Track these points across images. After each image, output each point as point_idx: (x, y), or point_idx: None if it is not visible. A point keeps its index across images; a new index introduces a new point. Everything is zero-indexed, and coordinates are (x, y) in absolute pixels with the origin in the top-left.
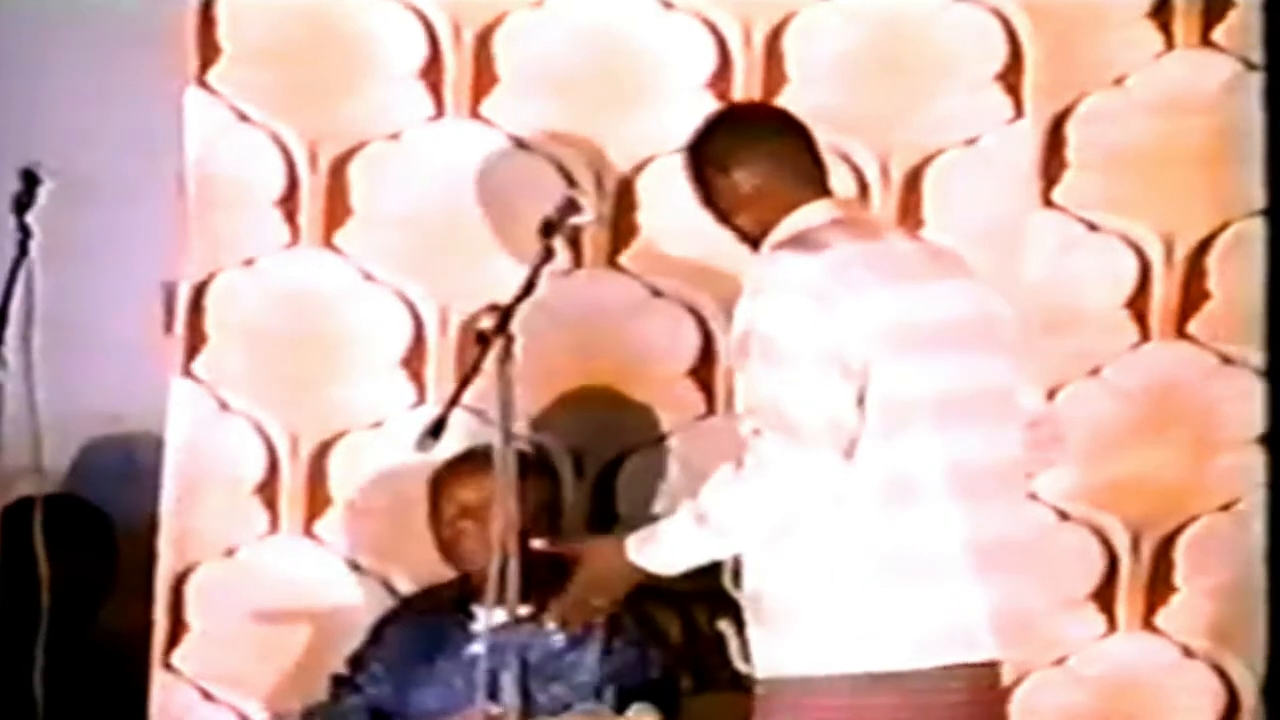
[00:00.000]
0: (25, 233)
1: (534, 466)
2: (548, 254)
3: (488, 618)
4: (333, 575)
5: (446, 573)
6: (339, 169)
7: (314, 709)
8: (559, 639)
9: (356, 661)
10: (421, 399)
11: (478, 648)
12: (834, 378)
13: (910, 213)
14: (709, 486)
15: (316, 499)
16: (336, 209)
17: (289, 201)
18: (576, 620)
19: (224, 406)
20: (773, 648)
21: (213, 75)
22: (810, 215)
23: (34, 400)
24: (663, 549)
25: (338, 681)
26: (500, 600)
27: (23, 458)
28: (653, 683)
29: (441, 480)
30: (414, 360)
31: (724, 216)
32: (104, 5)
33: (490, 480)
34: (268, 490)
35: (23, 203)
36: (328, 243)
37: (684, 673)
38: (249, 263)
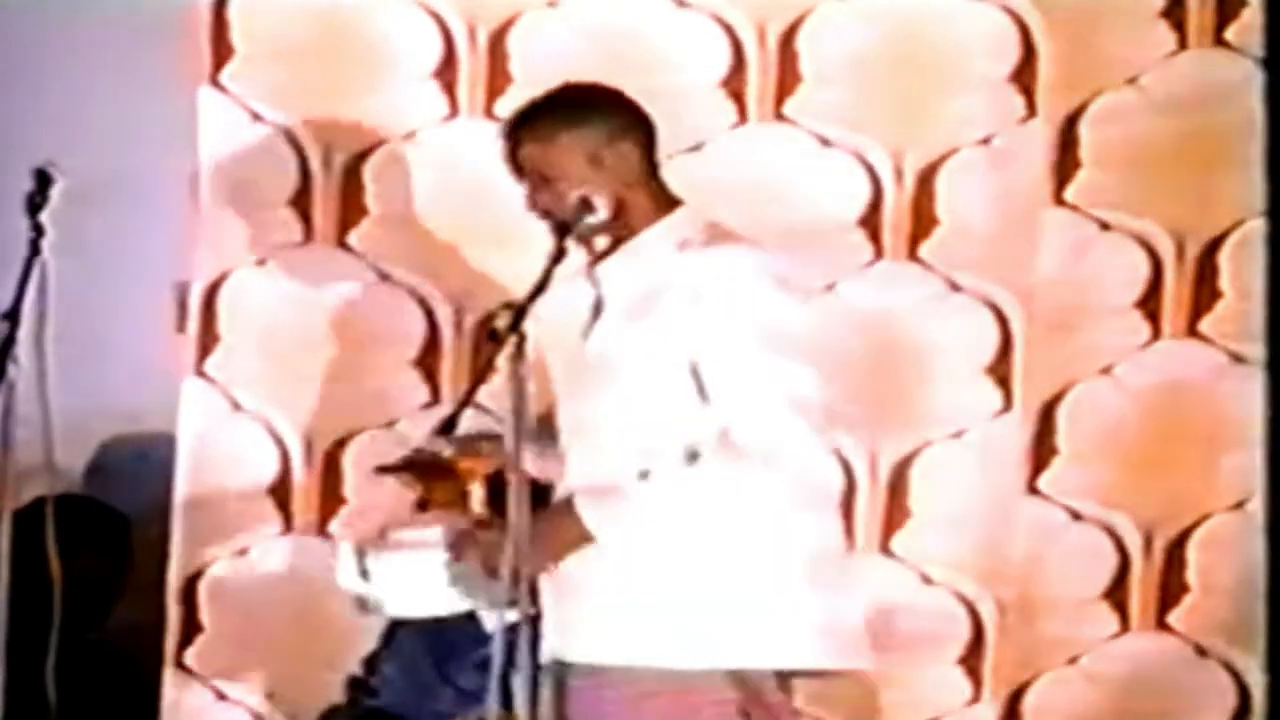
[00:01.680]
0: (38, 232)
1: None
2: (560, 253)
3: (499, 620)
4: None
5: None
6: (353, 169)
7: (331, 711)
8: None
9: (371, 663)
10: (435, 398)
11: (489, 649)
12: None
13: (924, 211)
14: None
15: (329, 499)
16: (350, 209)
17: (302, 201)
18: (463, 553)
19: (236, 406)
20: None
21: (226, 75)
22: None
23: (46, 400)
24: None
25: (354, 684)
26: (511, 602)
27: (35, 457)
28: None
29: None
30: (428, 359)
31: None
32: (117, 5)
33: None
34: (280, 490)
35: (36, 202)
36: (341, 243)
37: None
38: (262, 262)
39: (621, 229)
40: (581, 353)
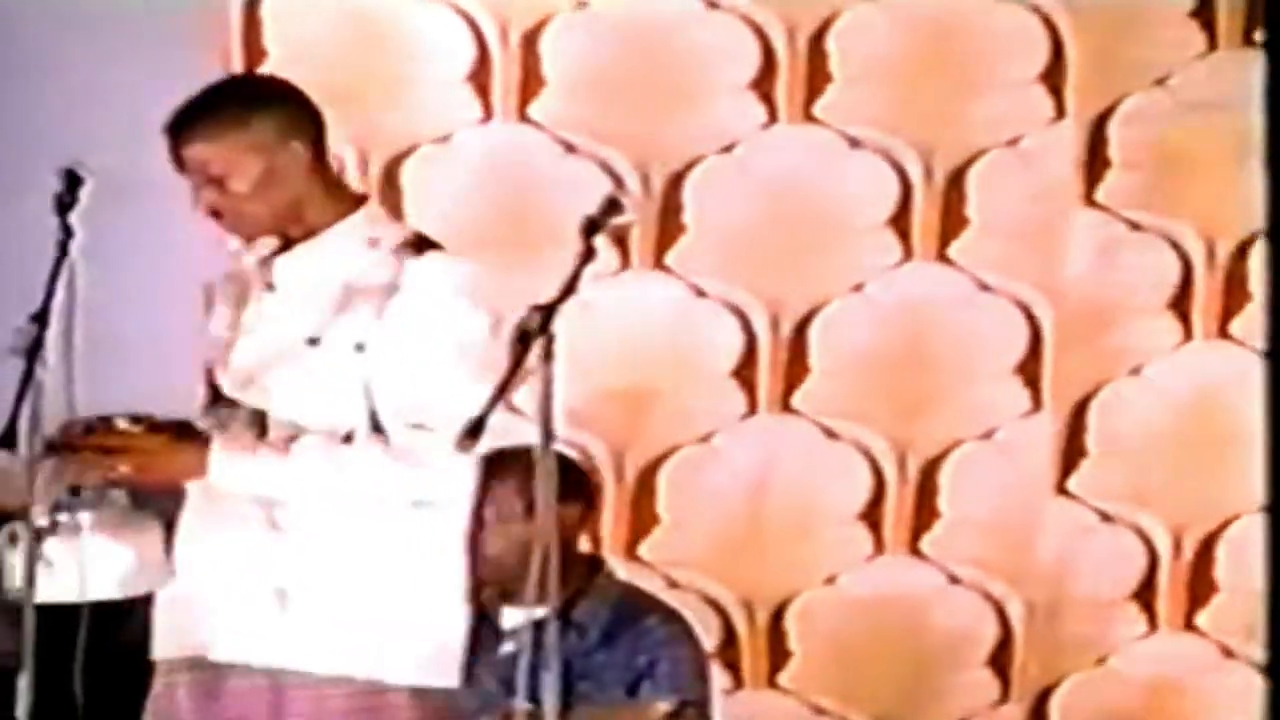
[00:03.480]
0: (67, 233)
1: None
2: (589, 254)
3: (524, 617)
4: None
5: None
6: (389, 172)
7: None
8: (592, 638)
9: None
10: None
11: (511, 646)
12: None
13: (954, 212)
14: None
15: None
16: (387, 212)
17: None
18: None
19: None
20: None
21: None
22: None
23: (74, 401)
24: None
25: None
26: (539, 599)
27: None
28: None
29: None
30: None
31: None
32: (147, 4)
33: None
34: None
35: (65, 202)
36: None
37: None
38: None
39: (294, 227)
40: (259, 337)
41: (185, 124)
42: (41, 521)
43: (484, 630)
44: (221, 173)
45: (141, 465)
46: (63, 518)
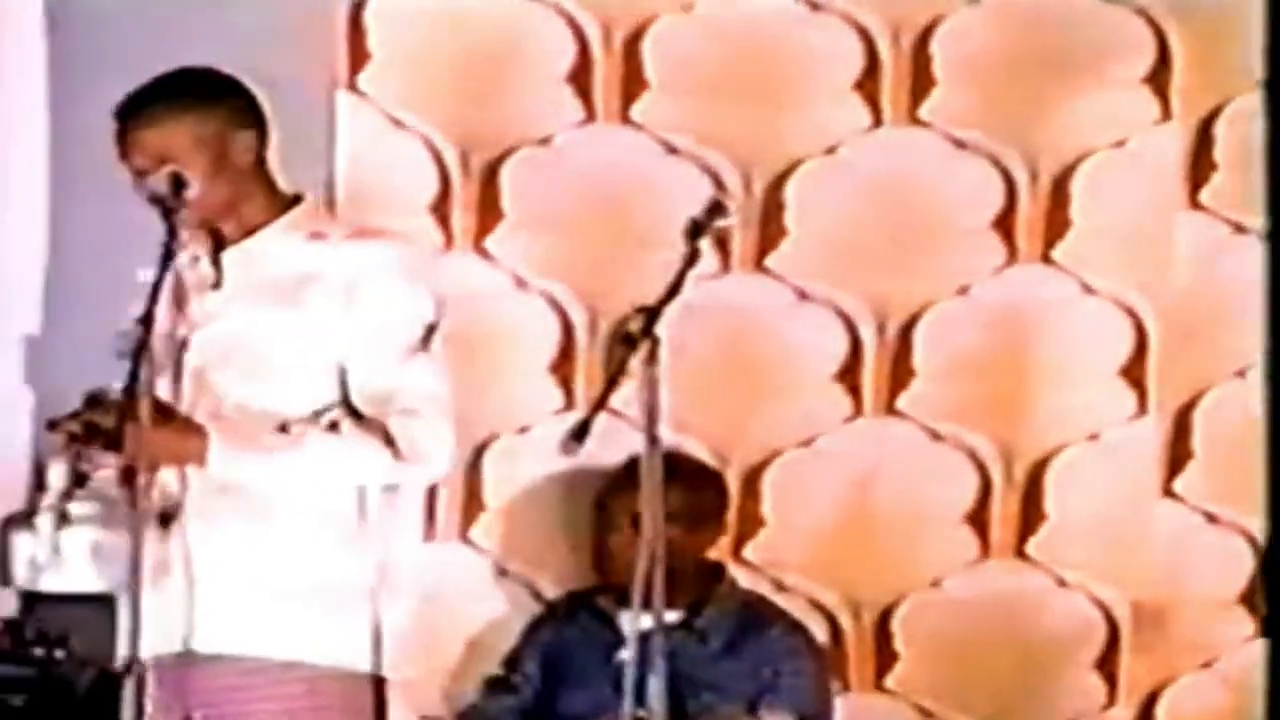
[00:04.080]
0: (173, 236)
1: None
2: (693, 256)
3: (634, 623)
4: (481, 580)
5: (591, 577)
6: (491, 174)
7: (467, 711)
8: (714, 646)
9: (511, 663)
10: (570, 404)
11: (625, 653)
12: None
13: (1058, 214)
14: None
15: (470, 505)
16: (488, 214)
17: (441, 206)
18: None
19: None
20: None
21: (363, 79)
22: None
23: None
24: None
25: (492, 683)
26: (647, 605)
27: None
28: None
29: (613, 491)
30: (563, 365)
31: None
32: (252, 8)
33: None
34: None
35: (169, 207)
36: (478, 247)
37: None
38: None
39: (228, 222)
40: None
41: (138, 109)
42: (52, 512)
43: (603, 634)
44: (173, 158)
45: (144, 453)
46: (74, 508)
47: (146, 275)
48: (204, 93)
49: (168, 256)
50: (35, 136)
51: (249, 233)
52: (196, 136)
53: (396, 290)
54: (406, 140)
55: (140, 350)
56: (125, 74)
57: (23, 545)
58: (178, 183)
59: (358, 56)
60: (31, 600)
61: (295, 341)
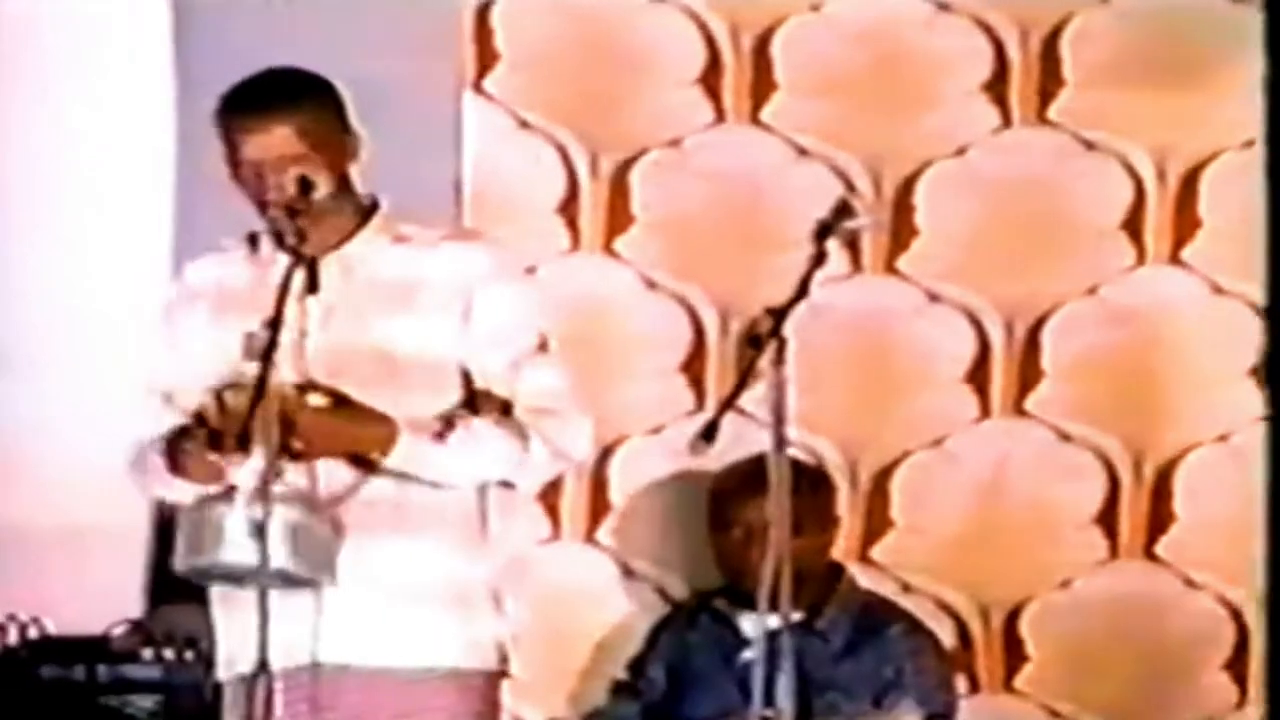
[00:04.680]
0: (300, 238)
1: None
2: (821, 257)
3: (760, 624)
4: (607, 580)
5: (718, 578)
6: (620, 176)
7: (593, 714)
8: (835, 646)
9: (637, 666)
10: (700, 404)
11: (750, 654)
12: None
13: (1187, 214)
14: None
15: (597, 505)
16: (617, 215)
17: (570, 208)
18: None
19: None
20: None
21: (490, 81)
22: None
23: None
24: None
25: (617, 688)
26: (774, 606)
27: None
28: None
29: (728, 491)
30: (694, 365)
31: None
32: (379, 11)
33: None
34: (549, 495)
35: (297, 208)
36: (608, 249)
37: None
38: (529, 270)
39: (321, 222)
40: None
41: (249, 107)
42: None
43: (725, 637)
44: (298, 159)
45: (318, 443)
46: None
47: (228, 243)
48: (312, 92)
49: (296, 261)
50: (162, 143)
51: (340, 236)
52: (318, 137)
53: (511, 294)
54: (533, 142)
55: (269, 352)
56: None
57: (229, 523)
58: (305, 185)
59: (486, 57)
60: (158, 600)
61: (413, 347)
